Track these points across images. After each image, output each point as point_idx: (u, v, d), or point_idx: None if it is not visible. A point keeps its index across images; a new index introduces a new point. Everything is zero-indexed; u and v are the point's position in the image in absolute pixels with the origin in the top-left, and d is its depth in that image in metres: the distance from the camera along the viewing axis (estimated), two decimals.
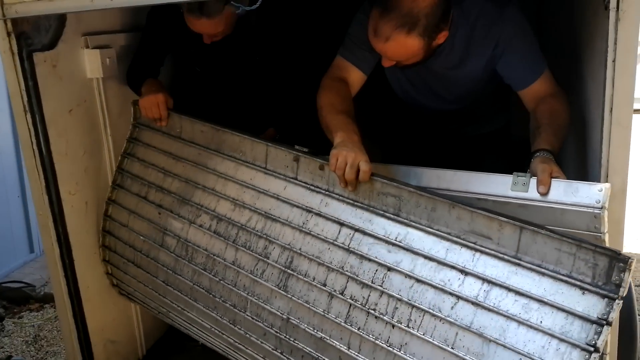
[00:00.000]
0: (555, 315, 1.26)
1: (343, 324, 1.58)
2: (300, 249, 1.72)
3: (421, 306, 1.44)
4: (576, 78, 1.86)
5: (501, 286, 1.34)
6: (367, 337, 1.53)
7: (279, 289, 1.74)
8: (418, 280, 1.46)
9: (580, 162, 1.77)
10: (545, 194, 1.44)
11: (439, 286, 1.43)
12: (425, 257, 1.47)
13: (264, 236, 1.81)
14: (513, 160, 1.93)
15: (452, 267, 1.42)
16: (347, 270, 1.60)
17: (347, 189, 1.63)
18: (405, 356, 1.45)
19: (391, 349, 1.48)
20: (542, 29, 2.44)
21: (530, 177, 1.47)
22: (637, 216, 3.64)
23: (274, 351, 1.79)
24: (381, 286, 1.52)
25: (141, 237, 2.20)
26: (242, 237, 1.88)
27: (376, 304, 1.52)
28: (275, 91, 2.38)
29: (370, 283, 1.54)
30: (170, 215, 2.10)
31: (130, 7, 2.31)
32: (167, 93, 2.15)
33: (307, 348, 1.69)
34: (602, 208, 1.37)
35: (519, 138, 2.19)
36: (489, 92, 2.05)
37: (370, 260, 1.56)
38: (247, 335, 1.86)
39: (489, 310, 1.34)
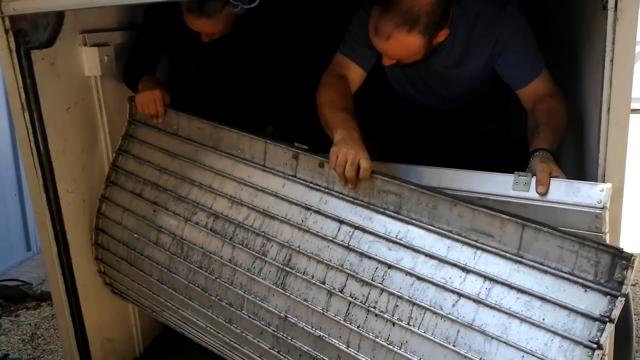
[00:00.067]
0: (558, 313, 1.24)
1: (342, 322, 1.55)
2: (299, 247, 1.68)
3: (422, 304, 1.41)
4: (574, 78, 1.84)
5: (503, 284, 1.32)
6: (366, 335, 1.49)
7: (277, 287, 1.70)
8: (419, 278, 1.43)
9: (578, 162, 1.75)
10: (544, 194, 1.42)
11: (440, 284, 1.40)
12: (426, 254, 1.45)
13: (262, 234, 1.77)
14: (511, 159, 1.91)
15: (454, 265, 1.40)
16: (346, 268, 1.56)
17: (347, 186, 1.60)
18: (405, 354, 1.42)
19: (391, 347, 1.44)
20: (540, 28, 2.42)
21: (532, 176, 1.45)
22: (636, 216, 3.65)
23: (271, 350, 1.74)
24: (381, 284, 1.49)
25: (135, 235, 2.14)
26: (239, 234, 1.83)
27: (376, 302, 1.49)
28: (274, 89, 2.34)
29: (370, 281, 1.51)
30: (166, 212, 2.05)
31: (128, 5, 2.28)
32: (164, 89, 2.11)
33: (305, 347, 1.64)
34: (603, 208, 1.35)
35: (516, 138, 2.18)
36: (488, 92, 2.03)
37: (370, 258, 1.53)
38: (244, 334, 1.82)
39: (491, 307, 1.32)
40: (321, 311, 1.59)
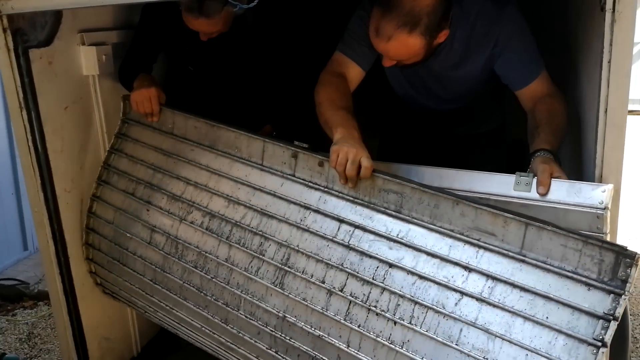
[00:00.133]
0: (561, 311, 1.22)
1: (342, 321, 1.50)
2: (297, 246, 1.63)
3: (424, 302, 1.37)
4: (571, 79, 1.82)
5: (506, 282, 1.29)
6: (367, 334, 1.45)
7: (275, 286, 1.65)
8: (421, 277, 1.40)
9: (575, 163, 1.73)
10: (545, 194, 1.40)
11: (443, 282, 1.36)
12: (428, 253, 1.41)
13: (260, 233, 1.72)
14: (508, 160, 1.89)
15: (456, 264, 1.36)
16: (347, 267, 1.52)
17: (347, 185, 1.56)
18: (407, 353, 1.38)
19: (393, 346, 1.40)
20: (538, 29, 2.40)
21: (533, 177, 1.43)
22: (633, 217, 3.66)
23: (269, 350, 1.69)
24: (382, 283, 1.45)
25: (128, 235, 2.08)
26: (236, 234, 1.78)
27: (377, 301, 1.45)
28: (272, 88, 2.30)
29: (371, 280, 1.47)
30: (160, 211, 1.99)
31: (126, 4, 2.25)
32: (159, 88, 2.06)
33: (304, 347, 1.60)
34: (604, 209, 1.33)
35: (512, 139, 2.16)
36: (486, 92, 2.01)
37: (371, 257, 1.49)
38: (240, 334, 1.76)
39: (494, 306, 1.28)
40: (321, 310, 1.55)
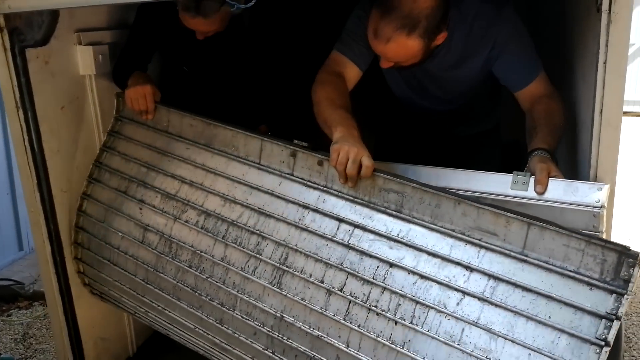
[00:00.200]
0: (564, 311, 1.19)
1: (342, 321, 1.46)
2: (296, 245, 1.58)
3: (426, 302, 1.34)
4: (567, 79, 1.81)
5: (508, 282, 1.26)
6: (368, 334, 1.41)
7: (273, 286, 1.60)
8: (422, 277, 1.36)
9: (571, 163, 1.72)
10: (542, 193, 1.38)
11: (444, 282, 1.33)
12: (429, 253, 1.38)
13: (257, 232, 1.67)
14: (503, 161, 1.87)
15: (457, 264, 1.33)
16: (346, 267, 1.48)
17: (347, 184, 1.52)
18: (408, 353, 1.34)
19: (394, 346, 1.36)
20: (534, 30, 2.39)
21: (530, 176, 1.41)
22: (630, 217, 3.65)
23: (265, 351, 1.64)
24: (383, 282, 1.41)
25: (119, 234, 2.00)
26: (232, 233, 1.73)
27: (378, 301, 1.40)
28: (267, 88, 2.26)
29: (371, 279, 1.43)
30: (153, 210, 1.92)
31: (123, 4, 2.19)
32: (155, 85, 2.01)
33: (302, 347, 1.55)
34: (601, 207, 1.32)
35: (507, 141, 2.14)
36: (484, 92, 1.99)
37: (371, 256, 1.45)
38: (236, 334, 1.71)
39: (497, 305, 1.25)
40: (319, 310, 1.50)
